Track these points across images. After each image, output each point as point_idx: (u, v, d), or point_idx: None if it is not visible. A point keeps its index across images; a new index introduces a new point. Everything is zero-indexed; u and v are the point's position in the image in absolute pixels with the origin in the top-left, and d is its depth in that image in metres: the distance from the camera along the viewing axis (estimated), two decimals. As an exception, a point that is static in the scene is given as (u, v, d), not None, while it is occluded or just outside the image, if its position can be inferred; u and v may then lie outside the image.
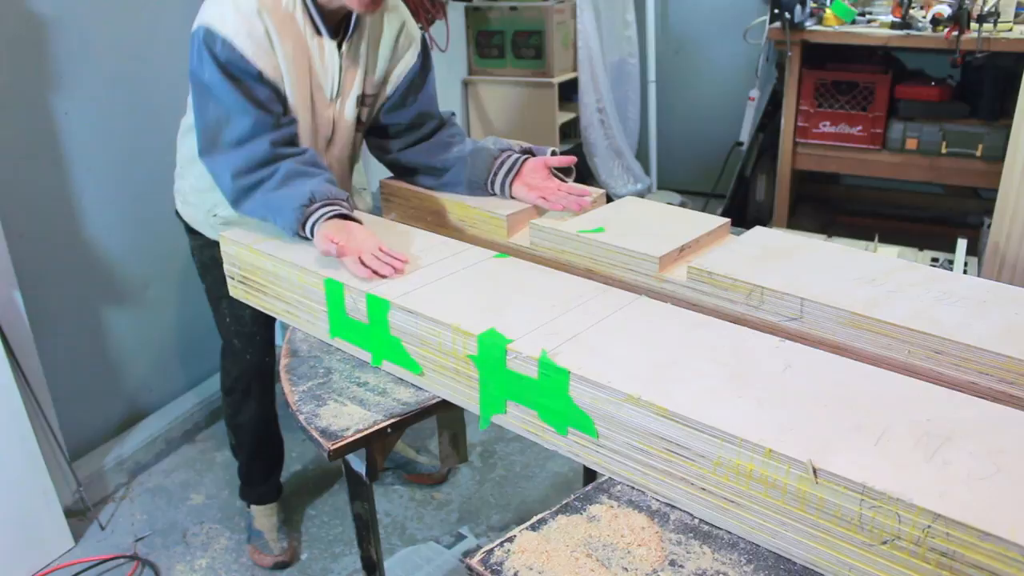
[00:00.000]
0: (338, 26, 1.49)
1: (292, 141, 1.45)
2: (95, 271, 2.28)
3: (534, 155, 1.55)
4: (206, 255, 1.77)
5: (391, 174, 1.70)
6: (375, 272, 1.23)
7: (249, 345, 1.85)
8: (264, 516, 2.09)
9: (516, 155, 1.53)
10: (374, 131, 1.68)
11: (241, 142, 1.38)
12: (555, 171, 1.55)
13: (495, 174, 1.51)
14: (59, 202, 2.15)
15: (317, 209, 1.32)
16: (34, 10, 2.00)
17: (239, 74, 1.37)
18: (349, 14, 1.48)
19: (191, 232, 1.78)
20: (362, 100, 1.58)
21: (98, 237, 2.27)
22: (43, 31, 2.03)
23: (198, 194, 1.68)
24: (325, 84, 1.51)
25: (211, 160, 1.43)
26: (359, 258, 1.24)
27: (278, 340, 1.90)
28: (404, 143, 1.64)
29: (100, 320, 2.33)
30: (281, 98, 1.44)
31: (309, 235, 1.33)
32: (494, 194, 1.52)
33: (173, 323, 2.56)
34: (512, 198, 1.51)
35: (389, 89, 1.60)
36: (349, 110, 1.56)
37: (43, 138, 2.08)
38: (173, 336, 2.58)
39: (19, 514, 1.94)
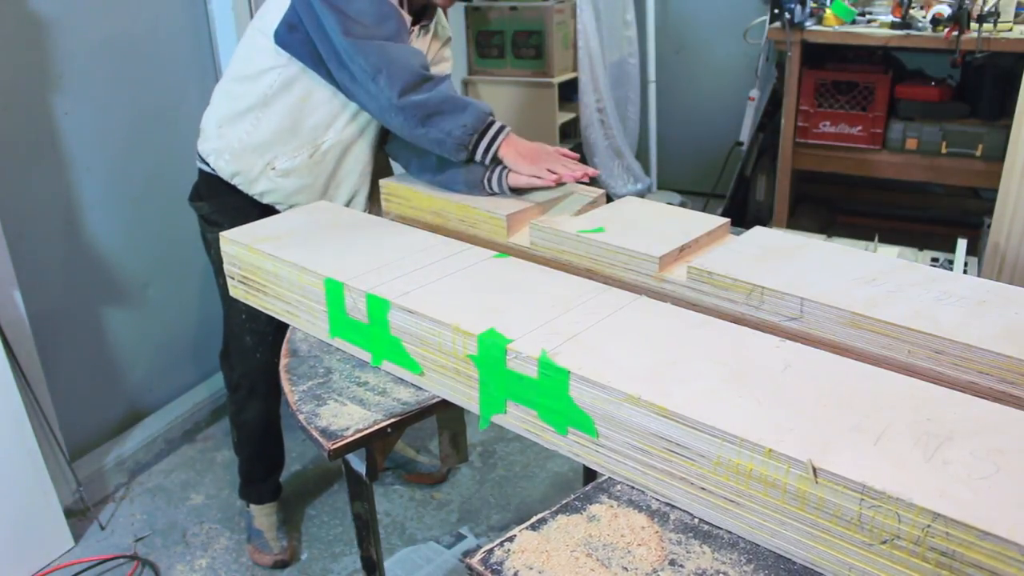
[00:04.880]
0: (417, 15, 1.60)
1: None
2: (95, 271, 2.28)
3: None
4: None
5: (391, 174, 1.70)
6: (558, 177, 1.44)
7: (261, 344, 1.84)
8: (264, 515, 2.09)
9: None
10: None
11: (387, 38, 1.47)
12: None
13: (491, 172, 1.50)
14: (59, 202, 2.16)
15: (488, 129, 1.48)
16: (34, 10, 2.00)
17: None
18: (426, 5, 1.62)
19: (209, 224, 1.75)
20: None
21: (98, 237, 2.27)
22: (43, 31, 2.03)
23: (252, 148, 1.66)
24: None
25: (362, 43, 1.47)
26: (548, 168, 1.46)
27: (278, 340, 1.91)
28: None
29: (100, 320, 2.33)
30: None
31: (483, 152, 1.48)
32: (494, 193, 1.52)
33: (173, 323, 2.56)
34: (512, 191, 1.50)
35: (433, 69, 1.62)
36: None
37: (43, 138, 2.09)
38: (173, 336, 2.58)
39: (19, 514, 1.94)
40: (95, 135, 2.19)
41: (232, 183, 1.70)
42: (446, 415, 1.34)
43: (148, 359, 2.49)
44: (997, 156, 2.74)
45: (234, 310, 1.81)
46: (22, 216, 2.03)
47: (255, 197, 1.70)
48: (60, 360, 2.18)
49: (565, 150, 1.53)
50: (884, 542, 0.75)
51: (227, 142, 1.68)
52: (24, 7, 1.98)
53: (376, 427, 1.11)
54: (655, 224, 1.36)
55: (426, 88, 1.46)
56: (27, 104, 2.04)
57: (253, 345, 1.84)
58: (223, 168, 1.69)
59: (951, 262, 2.20)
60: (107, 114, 2.21)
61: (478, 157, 1.49)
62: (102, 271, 2.30)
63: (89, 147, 2.18)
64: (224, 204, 1.72)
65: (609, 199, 1.52)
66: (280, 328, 1.84)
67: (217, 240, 1.76)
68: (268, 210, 1.68)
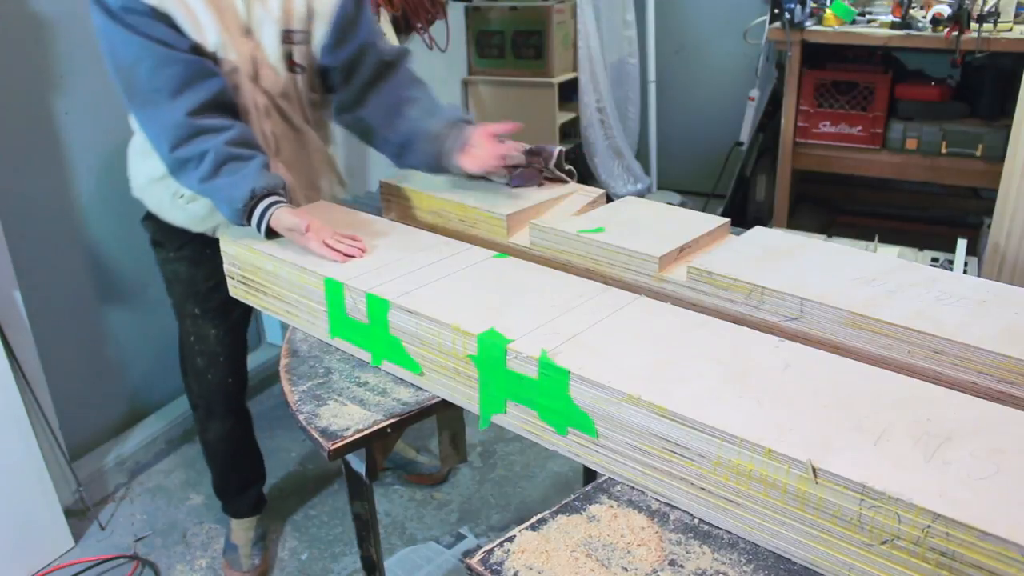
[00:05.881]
0: None
1: (218, 103, 1.39)
2: (95, 271, 2.28)
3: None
4: (168, 270, 1.72)
5: (391, 174, 1.70)
6: (344, 254, 1.29)
7: (212, 365, 1.80)
8: (241, 530, 2.05)
9: (457, 131, 1.48)
10: (323, 83, 1.59)
11: (160, 90, 1.34)
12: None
13: (445, 155, 1.48)
14: (59, 202, 2.15)
15: (259, 202, 1.33)
16: (34, 10, 2.00)
17: (134, 18, 1.32)
18: None
19: (155, 245, 1.72)
20: (288, 37, 1.49)
21: (98, 237, 2.27)
22: (43, 31, 2.03)
23: (155, 181, 1.59)
24: (231, 17, 1.42)
25: (139, 114, 1.40)
26: (324, 241, 1.30)
27: (279, 340, 1.90)
28: (351, 94, 1.56)
29: (100, 320, 2.33)
30: (184, 35, 1.37)
31: (259, 231, 1.35)
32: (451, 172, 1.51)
33: (173, 323, 2.55)
34: (465, 172, 1.49)
35: (321, 26, 1.50)
36: (271, 47, 1.47)
37: (43, 138, 2.09)
38: (173, 336, 2.55)
39: (19, 514, 1.94)
40: (95, 135, 2.19)
41: (154, 215, 1.65)
42: (446, 415, 1.34)
43: (148, 359, 2.49)
44: (997, 156, 2.74)
45: (184, 331, 1.78)
46: (22, 216, 2.03)
47: (181, 227, 1.63)
48: (60, 360, 2.17)
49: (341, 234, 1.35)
50: (884, 542, 0.75)
51: (137, 176, 1.64)
52: (25, 7, 1.98)
53: (376, 427, 1.11)
54: (655, 224, 1.36)
55: (199, 142, 1.35)
56: (27, 104, 2.04)
57: (204, 366, 1.80)
58: (145, 201, 1.66)
59: (951, 262, 2.20)
60: (107, 114, 2.21)
61: (253, 223, 1.36)
62: (102, 271, 2.30)
63: (89, 147, 2.18)
64: (164, 225, 1.66)
65: (609, 199, 1.52)
66: (234, 346, 1.81)
67: (162, 263, 1.70)
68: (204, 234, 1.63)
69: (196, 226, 1.62)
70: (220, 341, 1.77)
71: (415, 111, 1.54)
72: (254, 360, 2.68)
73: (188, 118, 1.35)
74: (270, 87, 1.51)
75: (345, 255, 1.29)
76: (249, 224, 1.35)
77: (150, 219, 1.69)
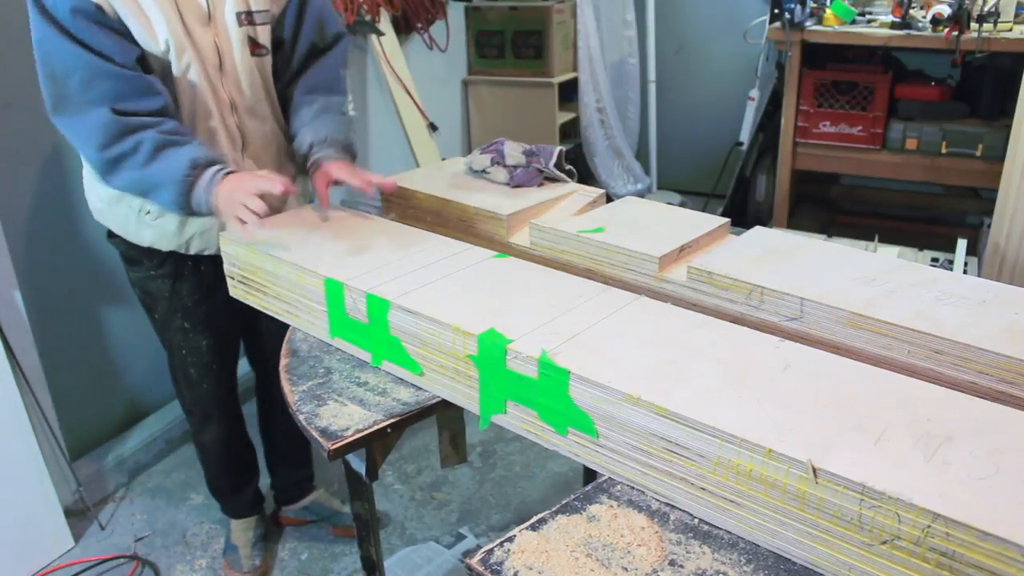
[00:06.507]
0: None
1: (158, 110, 1.35)
2: (95, 271, 2.28)
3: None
4: (151, 286, 1.65)
5: (391, 174, 1.69)
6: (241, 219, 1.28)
7: (206, 374, 1.77)
8: (240, 530, 2.04)
9: (317, 158, 1.51)
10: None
11: (92, 102, 1.29)
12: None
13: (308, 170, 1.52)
14: (59, 202, 2.15)
15: (200, 175, 1.32)
16: (34, 10, 2.00)
17: (77, 21, 1.26)
18: None
19: (129, 262, 1.65)
20: (249, 18, 1.45)
21: (98, 237, 2.26)
22: (43, 31, 2.02)
23: (117, 199, 1.52)
24: (191, 3, 1.38)
25: (64, 120, 1.34)
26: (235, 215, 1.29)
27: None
28: (288, 72, 1.57)
29: (100, 320, 2.33)
30: (132, 39, 1.33)
31: (203, 207, 1.33)
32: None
33: (173, 323, 2.56)
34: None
35: (281, 2, 1.50)
36: (232, 30, 1.43)
37: (43, 138, 2.08)
38: (173, 336, 2.57)
39: (19, 514, 1.94)
40: (95, 135, 2.19)
41: (120, 236, 1.59)
42: (446, 415, 1.34)
43: (148, 359, 2.49)
44: (997, 156, 2.74)
45: (174, 346, 1.73)
46: (22, 216, 2.03)
47: (152, 248, 1.57)
48: (60, 360, 2.17)
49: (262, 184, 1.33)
50: (884, 542, 0.75)
51: (96, 201, 1.57)
52: (25, 8, 1.98)
53: (376, 427, 1.11)
54: (655, 224, 1.36)
55: (131, 138, 1.32)
56: (27, 104, 2.04)
57: (199, 376, 1.77)
58: (109, 224, 1.59)
59: (951, 262, 2.20)
60: (107, 114, 2.21)
61: (197, 198, 1.35)
62: (102, 271, 2.30)
63: (89, 147, 2.18)
64: (135, 244, 1.59)
65: (609, 199, 1.52)
66: (226, 355, 1.78)
67: (141, 280, 1.62)
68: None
69: (167, 243, 1.56)
70: (212, 350, 1.74)
71: (308, 114, 1.55)
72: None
73: (116, 116, 1.30)
74: (236, 76, 1.48)
75: (255, 215, 1.27)
76: (191, 203, 1.32)
77: (117, 237, 1.62)
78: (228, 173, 1.34)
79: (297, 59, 1.58)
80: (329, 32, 1.60)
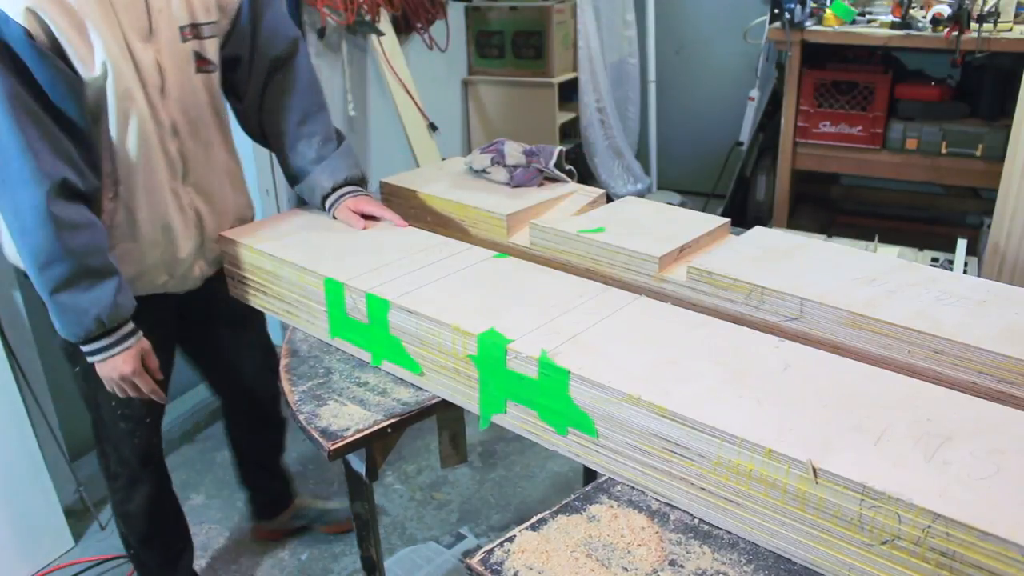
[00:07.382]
0: None
1: (77, 169, 1.23)
2: (95, 271, 2.28)
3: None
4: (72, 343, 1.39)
5: (391, 174, 1.70)
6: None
7: (138, 427, 1.57)
8: None
9: (338, 197, 1.47)
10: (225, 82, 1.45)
11: (8, 147, 1.17)
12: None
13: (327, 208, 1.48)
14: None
15: (102, 337, 1.29)
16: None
17: None
18: None
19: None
20: (196, 31, 1.33)
21: (98, 237, 2.26)
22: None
23: None
24: (133, 16, 1.25)
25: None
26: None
27: (279, 340, 1.89)
28: (253, 97, 1.47)
29: (100, 320, 2.33)
30: (64, 73, 1.19)
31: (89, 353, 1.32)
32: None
33: (173, 323, 2.56)
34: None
35: (230, 15, 1.39)
36: (174, 44, 1.30)
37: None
38: (173, 336, 2.57)
39: (19, 514, 1.94)
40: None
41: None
42: (446, 415, 1.34)
43: (148, 359, 2.49)
44: (997, 156, 2.74)
45: (103, 397, 1.50)
46: (22, 216, 2.02)
47: None
48: (61, 360, 2.17)
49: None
50: (884, 543, 0.75)
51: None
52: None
53: (376, 427, 1.11)
54: (655, 224, 1.36)
55: (55, 241, 1.21)
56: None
57: (129, 430, 1.57)
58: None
59: (951, 262, 2.20)
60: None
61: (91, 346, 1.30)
62: (102, 271, 2.30)
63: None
64: None
65: (609, 199, 1.52)
66: (159, 408, 1.59)
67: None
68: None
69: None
70: (147, 402, 1.48)
71: (310, 151, 1.48)
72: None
73: (45, 204, 1.18)
74: (179, 96, 1.35)
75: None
76: (82, 343, 1.30)
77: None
78: (126, 348, 1.32)
79: (259, 75, 1.46)
80: (287, 38, 1.47)
